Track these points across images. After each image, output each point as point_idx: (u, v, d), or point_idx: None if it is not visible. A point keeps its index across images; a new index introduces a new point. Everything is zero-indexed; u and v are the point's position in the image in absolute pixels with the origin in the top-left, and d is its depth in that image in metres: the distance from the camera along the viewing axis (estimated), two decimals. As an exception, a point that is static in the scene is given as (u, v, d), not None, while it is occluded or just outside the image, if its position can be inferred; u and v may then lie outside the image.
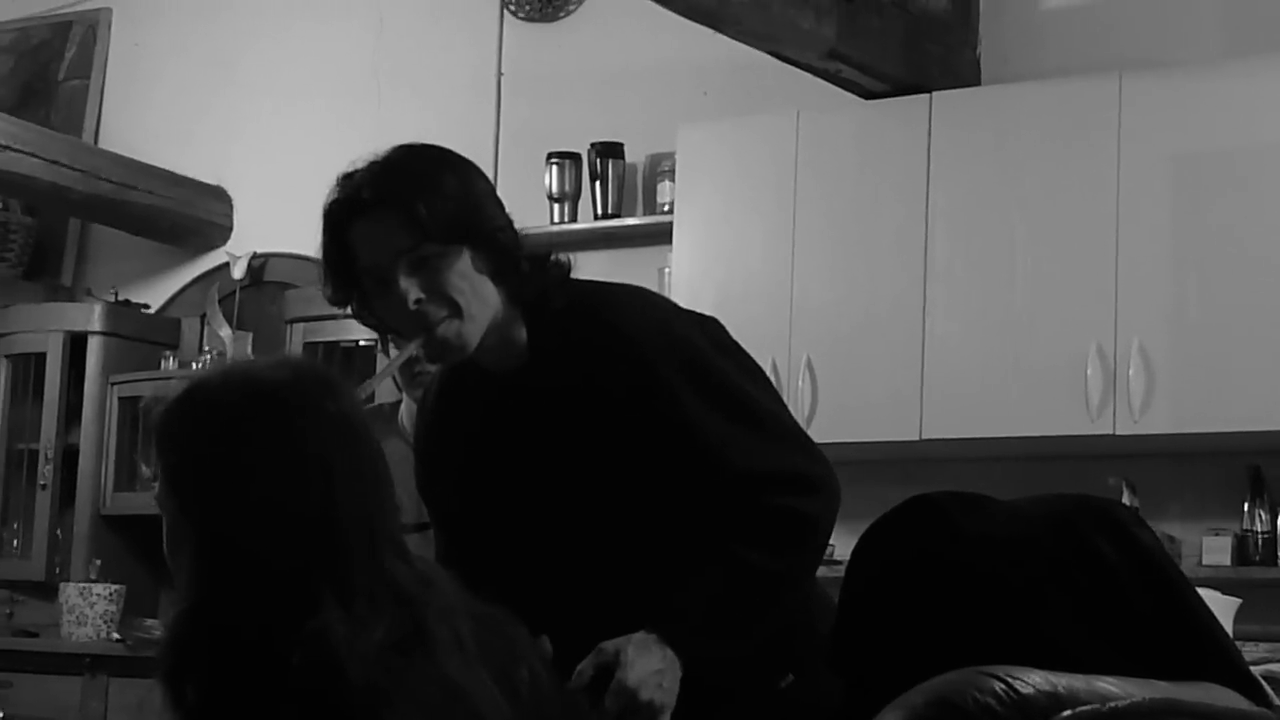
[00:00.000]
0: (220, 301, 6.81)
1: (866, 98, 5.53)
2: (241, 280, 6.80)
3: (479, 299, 2.49)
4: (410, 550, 2.03)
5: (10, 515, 6.89)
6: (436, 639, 1.93)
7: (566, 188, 6.16)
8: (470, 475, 2.67)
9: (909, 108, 5.40)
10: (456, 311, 2.48)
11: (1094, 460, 5.20)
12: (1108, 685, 1.66)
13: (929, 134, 5.34)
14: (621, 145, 6.12)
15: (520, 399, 2.58)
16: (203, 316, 6.89)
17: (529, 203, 6.20)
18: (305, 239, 7.37)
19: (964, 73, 5.60)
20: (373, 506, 1.96)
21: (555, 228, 6.12)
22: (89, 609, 6.36)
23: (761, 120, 5.68)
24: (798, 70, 5.36)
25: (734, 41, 5.15)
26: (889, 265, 5.34)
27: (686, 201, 5.70)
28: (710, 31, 5.07)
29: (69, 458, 6.76)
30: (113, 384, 6.72)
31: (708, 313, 2.71)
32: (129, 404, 6.59)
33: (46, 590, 6.67)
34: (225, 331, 6.68)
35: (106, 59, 7.36)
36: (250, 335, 6.66)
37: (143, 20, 7.32)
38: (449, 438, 2.70)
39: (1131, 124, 5.07)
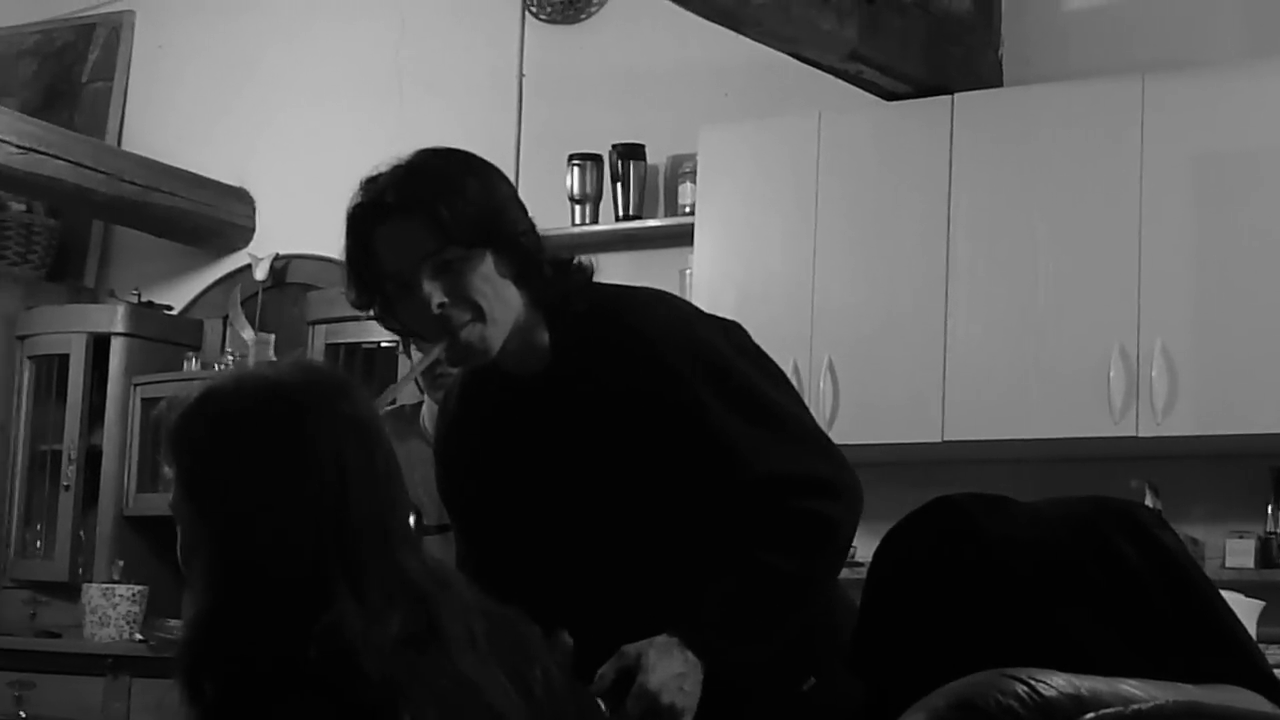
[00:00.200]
0: (243, 303, 6.82)
1: (888, 99, 5.53)
2: (264, 282, 6.81)
3: (502, 302, 2.50)
4: (425, 550, 2.05)
5: (33, 516, 6.91)
6: (450, 635, 1.95)
7: (588, 189, 6.16)
8: (491, 478, 2.67)
9: (931, 109, 5.40)
10: (479, 315, 2.48)
11: (1116, 462, 5.18)
12: (1131, 688, 1.66)
13: (951, 135, 5.33)
14: (643, 147, 6.13)
15: (542, 402, 2.59)
16: (225, 318, 6.90)
17: (550, 204, 6.22)
18: (328, 241, 7.36)
19: (986, 74, 5.59)
20: (385, 505, 1.98)
21: (576, 229, 6.13)
22: (112, 610, 6.37)
23: (783, 122, 5.68)
24: (819, 71, 5.36)
25: (755, 43, 5.14)
26: (911, 267, 5.34)
27: (708, 203, 5.70)
28: (731, 33, 5.07)
29: (92, 459, 6.78)
30: (135, 385, 6.73)
31: (729, 314, 2.71)
32: (152, 405, 6.60)
33: (69, 591, 6.69)
34: (247, 333, 6.70)
35: (129, 61, 7.38)
36: (272, 337, 6.67)
37: (165, 22, 7.34)
38: (470, 440, 2.71)
39: (1154, 125, 5.06)
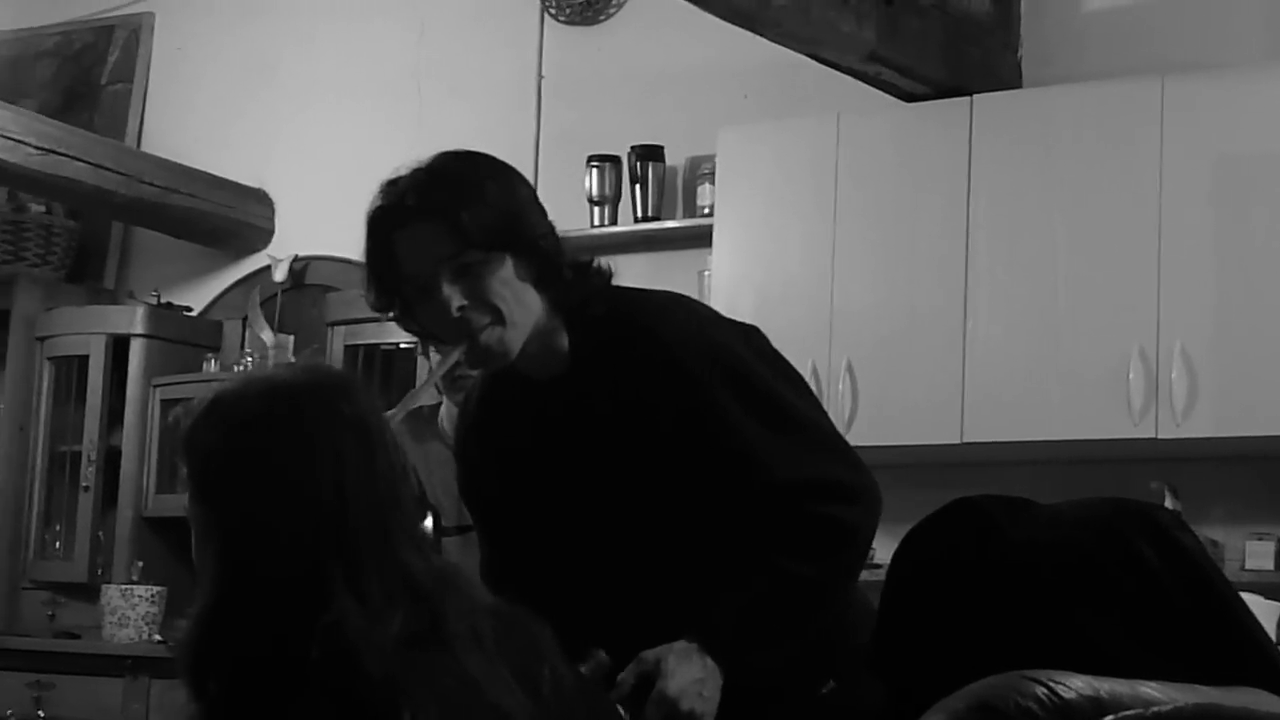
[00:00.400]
0: (262, 304, 6.83)
1: (907, 100, 5.52)
2: (283, 283, 6.82)
3: (521, 306, 2.50)
4: (444, 549, 2.08)
5: (53, 517, 6.92)
6: (454, 633, 1.97)
7: (607, 191, 6.16)
8: (511, 481, 2.67)
9: (950, 110, 5.39)
10: (499, 319, 2.49)
11: (1136, 464, 5.17)
12: (1150, 690, 1.66)
13: (970, 137, 5.33)
14: (662, 148, 6.13)
15: (561, 406, 2.59)
16: (244, 319, 6.91)
17: (569, 206, 6.22)
18: (347, 242, 7.37)
19: (1005, 75, 5.58)
20: (387, 505, 2.01)
21: (595, 231, 6.13)
22: (131, 610, 6.39)
23: (802, 123, 5.67)
24: (838, 73, 5.36)
25: (774, 44, 5.14)
26: (930, 268, 5.33)
27: (726, 204, 5.70)
28: (750, 34, 5.06)
29: (111, 460, 6.79)
30: (155, 386, 6.75)
31: (747, 315, 2.71)
32: (171, 406, 6.61)
33: (88, 592, 6.71)
34: (267, 334, 6.70)
35: (149, 63, 7.39)
36: (291, 338, 6.68)
37: (184, 24, 7.35)
38: (490, 443, 2.71)
39: (1174, 126, 5.05)
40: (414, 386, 5.80)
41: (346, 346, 6.36)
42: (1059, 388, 5.10)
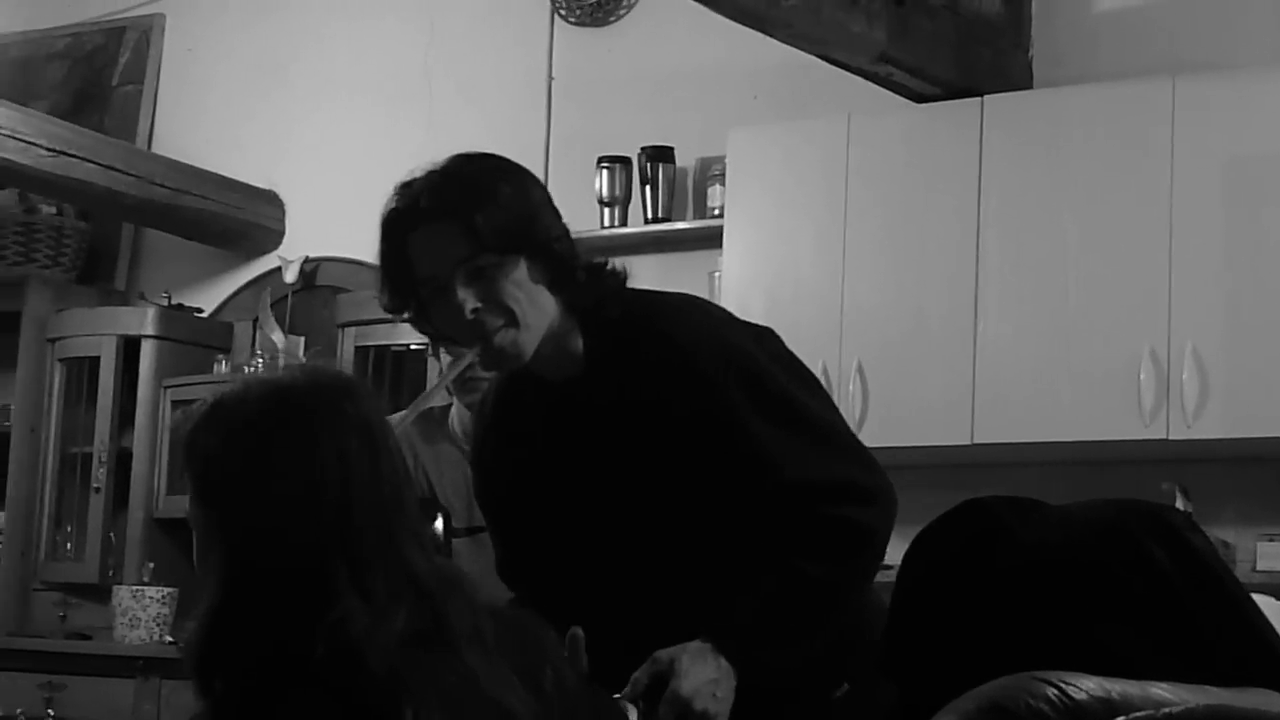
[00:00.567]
0: (272, 306, 6.84)
1: (918, 101, 5.52)
2: (294, 284, 6.83)
3: (535, 308, 2.51)
4: (435, 550, 2.09)
5: (64, 518, 6.93)
6: (457, 632, 1.99)
7: (617, 192, 6.16)
8: (526, 482, 2.68)
9: (960, 111, 5.39)
10: (513, 320, 2.50)
11: (1147, 465, 5.17)
12: (1161, 691, 1.66)
13: (981, 137, 5.32)
14: (672, 149, 6.12)
15: (576, 408, 2.59)
16: (255, 320, 6.92)
17: (579, 207, 6.21)
18: (357, 243, 7.39)
19: (1016, 76, 5.58)
20: (391, 505, 2.02)
21: (605, 232, 6.13)
22: (142, 612, 6.39)
23: (812, 124, 5.67)
24: (848, 74, 5.36)
25: (784, 45, 5.14)
26: (940, 269, 5.33)
27: (737, 205, 5.70)
28: (760, 35, 5.06)
29: (122, 461, 6.80)
30: (166, 388, 6.75)
31: (758, 317, 2.71)
32: (182, 408, 6.62)
33: (100, 593, 6.71)
34: (277, 336, 6.71)
35: (160, 64, 7.40)
36: (302, 339, 6.69)
37: (195, 26, 7.36)
38: (506, 445, 2.72)
39: (1185, 127, 5.04)
40: (425, 388, 5.81)
41: (357, 348, 6.36)
42: (1070, 389, 5.10)
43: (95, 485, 6.82)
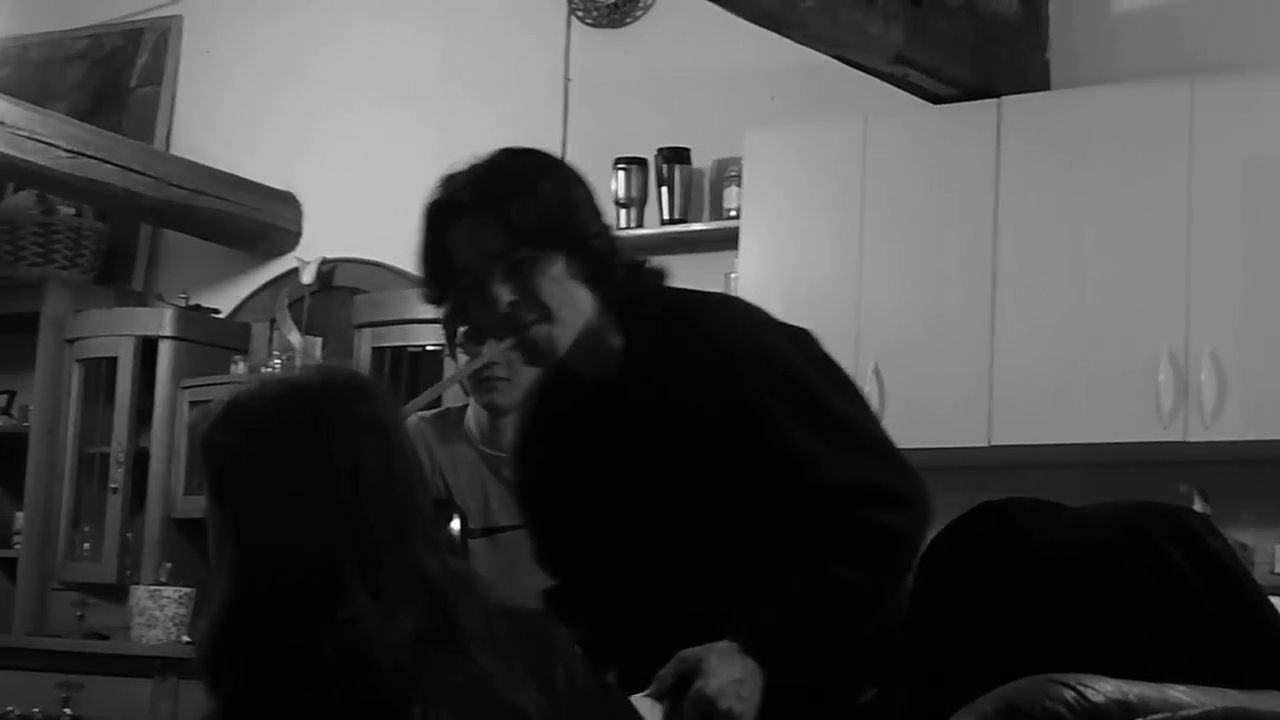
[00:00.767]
0: (290, 306, 6.85)
1: (935, 102, 5.51)
2: (311, 285, 6.83)
3: (571, 304, 2.53)
4: (447, 551, 2.10)
5: (82, 518, 6.94)
6: (468, 632, 2.00)
7: (633, 193, 6.16)
8: (563, 476, 2.69)
9: (978, 112, 5.38)
10: (547, 316, 2.52)
11: (1165, 467, 5.15)
12: (1179, 694, 1.65)
13: (998, 139, 5.31)
14: (688, 150, 6.12)
15: (612, 405, 2.60)
16: (272, 321, 6.92)
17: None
18: (374, 244, 7.43)
19: (1033, 77, 5.57)
20: (404, 505, 2.03)
21: (622, 233, 6.11)
22: (159, 612, 6.40)
23: (829, 125, 5.66)
24: (865, 75, 5.35)
25: (801, 46, 5.13)
26: (957, 271, 5.32)
27: (753, 207, 5.70)
28: (777, 36, 5.06)
29: (140, 461, 6.81)
30: (183, 388, 6.76)
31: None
32: (199, 408, 6.63)
33: (117, 593, 6.72)
34: (294, 336, 6.72)
35: (177, 66, 7.42)
36: (319, 340, 6.69)
37: (213, 27, 7.37)
38: (545, 439, 2.74)
39: (1203, 128, 5.03)
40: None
41: (374, 349, 6.37)
42: (1087, 390, 5.09)
43: (113, 485, 6.83)
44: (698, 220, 6.13)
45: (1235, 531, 5.00)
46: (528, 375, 3.65)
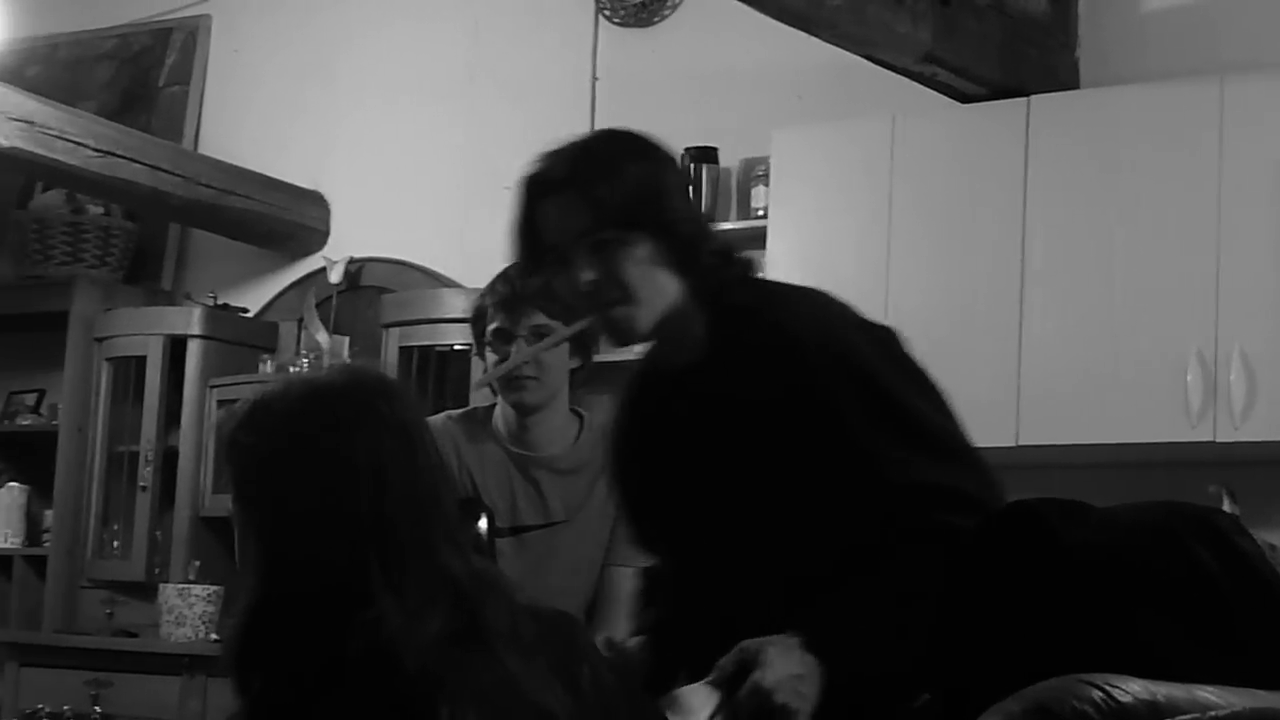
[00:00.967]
0: (317, 306, 6.86)
1: (963, 101, 5.50)
2: (338, 285, 6.84)
3: (653, 287, 2.54)
4: (472, 550, 2.10)
5: (111, 516, 6.96)
6: (494, 632, 2.00)
7: (661, 192, 6.15)
8: (653, 465, 2.70)
9: (1006, 111, 5.37)
10: (628, 297, 2.54)
11: (1194, 467, 5.14)
12: (1207, 694, 1.65)
13: (1026, 138, 5.30)
14: (715, 150, 6.12)
15: (695, 393, 2.61)
16: (300, 321, 6.94)
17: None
18: (401, 244, 7.45)
19: (1063, 76, 5.55)
20: (428, 505, 2.04)
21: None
22: (188, 610, 6.42)
23: (856, 124, 5.66)
24: (893, 74, 5.34)
25: (829, 45, 5.13)
26: (985, 270, 5.31)
27: (781, 206, 5.69)
28: (805, 35, 5.05)
29: (168, 460, 6.83)
30: (211, 387, 6.78)
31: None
32: (227, 407, 6.65)
33: (146, 591, 6.74)
34: (322, 336, 6.73)
35: (206, 65, 7.44)
36: (347, 339, 6.71)
37: (241, 27, 7.39)
38: (637, 427, 2.75)
39: (1234, 128, 5.01)
40: (468, 388, 5.82)
41: (401, 348, 6.37)
42: (1116, 390, 5.07)
43: (142, 484, 6.85)
44: (725, 220, 6.12)
45: (1264, 532, 4.95)
46: (556, 375, 3.67)
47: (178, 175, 6.61)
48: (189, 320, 6.89)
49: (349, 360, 6.46)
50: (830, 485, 2.51)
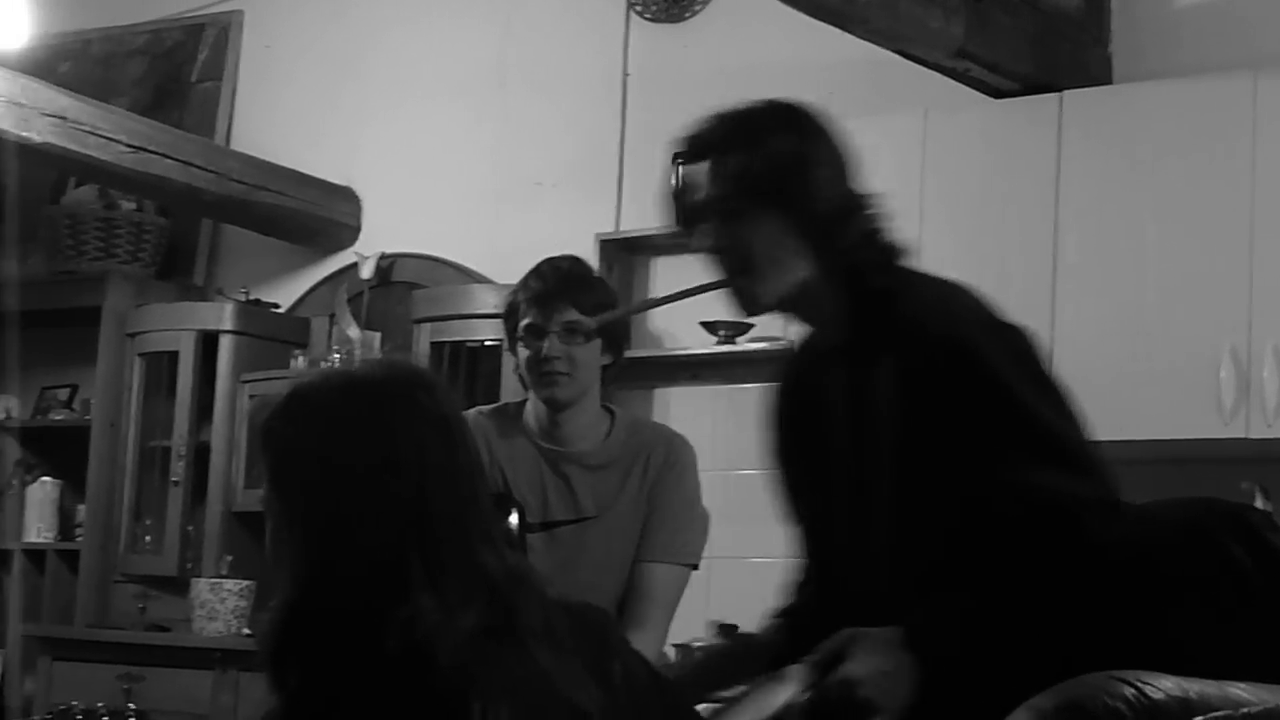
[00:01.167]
0: (349, 301, 6.87)
1: (996, 97, 5.48)
2: (370, 280, 6.86)
3: (777, 262, 2.54)
4: (506, 546, 2.09)
5: (143, 511, 6.99)
6: (527, 628, 2.00)
7: (692, 188, 6.14)
8: (795, 446, 2.69)
9: (1039, 107, 5.35)
10: (749, 268, 2.53)
11: (1227, 464, 5.12)
12: (1240, 691, 1.64)
13: (1059, 133, 5.28)
14: (748, 145, 6.10)
15: (832, 376, 2.60)
16: (331, 316, 6.95)
17: (653, 203, 6.21)
18: (433, 239, 7.45)
19: (1095, 71, 5.53)
20: (465, 501, 2.03)
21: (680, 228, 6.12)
22: (220, 604, 6.44)
23: (888, 120, 5.64)
24: (925, 69, 5.33)
25: (861, 41, 5.12)
26: (1017, 266, 5.29)
27: (813, 202, 5.67)
28: (837, 31, 5.04)
29: (200, 455, 6.85)
30: (243, 382, 6.80)
31: None
32: (262, 398, 6.67)
33: (178, 585, 6.77)
34: (354, 331, 6.74)
35: (238, 61, 7.46)
36: (378, 335, 6.72)
37: (273, 22, 7.41)
38: (785, 405, 2.74)
39: (1267, 123, 4.99)
40: (499, 384, 5.83)
41: (432, 343, 6.38)
42: (1148, 387, 5.05)
43: (174, 479, 6.87)
44: (756, 215, 6.11)
45: (1298, 529, 4.95)
46: (587, 371, 3.67)
47: (210, 171, 6.62)
48: (221, 316, 6.91)
49: (383, 354, 6.47)
50: (942, 480, 2.46)
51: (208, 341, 6.87)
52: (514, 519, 3.56)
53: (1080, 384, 5.32)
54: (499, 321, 3.78)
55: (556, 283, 3.64)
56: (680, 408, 6.09)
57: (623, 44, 6.53)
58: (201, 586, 6.50)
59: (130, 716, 6.28)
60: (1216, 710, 1.61)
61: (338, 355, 6.63)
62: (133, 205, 7.14)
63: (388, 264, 6.89)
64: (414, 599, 1.94)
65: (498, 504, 3.40)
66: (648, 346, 6.13)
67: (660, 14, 6.50)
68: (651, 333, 6.24)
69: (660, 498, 3.70)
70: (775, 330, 5.86)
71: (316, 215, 7.00)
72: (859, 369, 2.54)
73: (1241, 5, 5.46)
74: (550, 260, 3.72)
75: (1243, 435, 4.94)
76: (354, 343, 6.68)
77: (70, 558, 7.08)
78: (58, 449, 7.22)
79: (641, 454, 3.71)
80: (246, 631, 6.34)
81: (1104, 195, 5.22)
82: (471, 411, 3.71)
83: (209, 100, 7.44)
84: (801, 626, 2.60)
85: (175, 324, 6.95)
